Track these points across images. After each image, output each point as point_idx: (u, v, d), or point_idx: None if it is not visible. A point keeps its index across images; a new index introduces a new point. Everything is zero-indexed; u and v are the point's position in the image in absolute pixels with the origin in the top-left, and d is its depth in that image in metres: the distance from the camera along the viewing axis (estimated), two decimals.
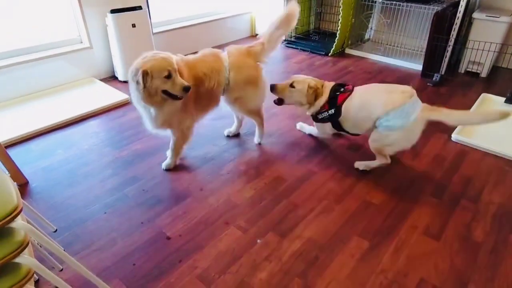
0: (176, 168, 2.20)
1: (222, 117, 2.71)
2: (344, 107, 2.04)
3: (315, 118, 2.21)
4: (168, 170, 2.17)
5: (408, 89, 1.91)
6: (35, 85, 3.02)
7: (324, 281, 1.50)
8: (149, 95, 1.81)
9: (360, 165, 2.16)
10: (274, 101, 2.28)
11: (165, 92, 1.82)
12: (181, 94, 1.83)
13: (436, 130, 2.60)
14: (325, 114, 2.12)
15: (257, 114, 2.34)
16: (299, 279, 1.51)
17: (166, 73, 1.77)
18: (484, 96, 2.99)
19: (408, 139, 1.92)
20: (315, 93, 2.14)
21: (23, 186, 2.03)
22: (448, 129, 2.58)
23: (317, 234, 1.73)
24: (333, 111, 2.08)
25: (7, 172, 1.96)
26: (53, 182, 2.07)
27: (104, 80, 3.38)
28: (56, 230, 1.74)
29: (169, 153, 2.18)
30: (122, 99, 2.97)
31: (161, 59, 1.79)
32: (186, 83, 1.82)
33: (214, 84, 2.04)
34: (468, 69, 3.57)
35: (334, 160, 2.28)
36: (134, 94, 1.86)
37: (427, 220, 1.82)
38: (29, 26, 3.08)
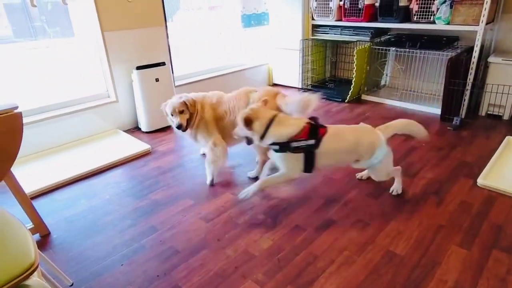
0: (193, 217, 2.20)
1: (240, 165, 2.75)
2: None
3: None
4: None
5: (367, 125, 2.17)
6: (63, 138, 3.19)
7: None
8: None
9: (395, 189, 2.34)
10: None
11: None
12: None
13: (460, 175, 2.51)
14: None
15: None
16: None
17: None
18: (509, 138, 2.90)
19: (391, 152, 2.17)
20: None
21: (45, 237, 2.07)
22: (473, 174, 2.49)
23: None
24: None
25: (30, 224, 2.02)
26: (74, 232, 2.10)
27: (128, 131, 3.53)
28: (72, 284, 1.73)
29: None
30: (144, 149, 3.07)
31: None
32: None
33: None
34: (489, 112, 3.51)
35: (353, 208, 2.22)
36: None
37: (457, 273, 1.70)
38: (64, 83, 3.34)
